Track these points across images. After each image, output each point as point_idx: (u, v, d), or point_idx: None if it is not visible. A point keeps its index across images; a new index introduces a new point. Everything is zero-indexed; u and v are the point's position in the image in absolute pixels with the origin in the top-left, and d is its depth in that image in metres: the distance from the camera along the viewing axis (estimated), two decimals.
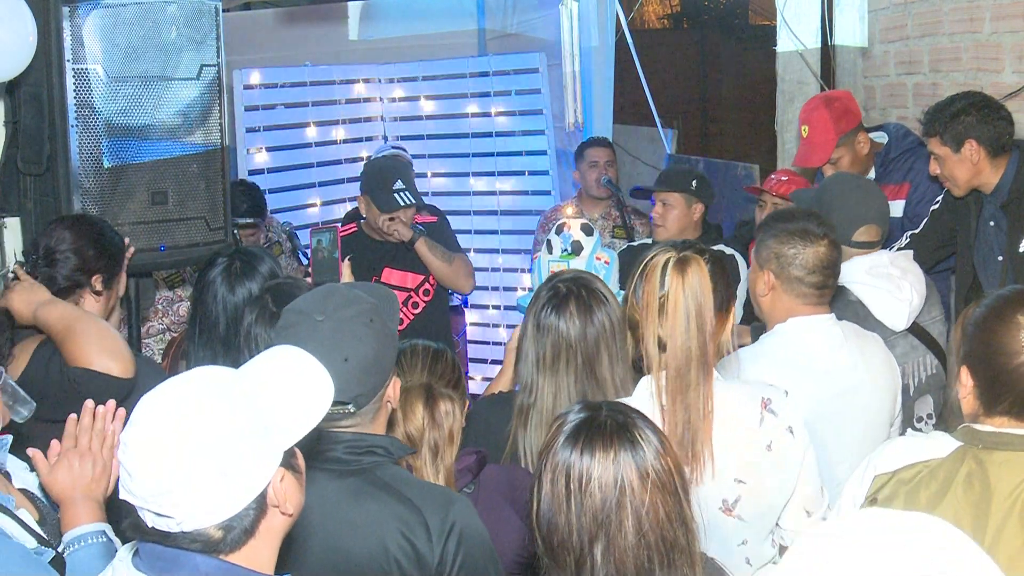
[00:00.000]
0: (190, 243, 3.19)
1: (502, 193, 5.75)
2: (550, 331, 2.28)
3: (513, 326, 5.58)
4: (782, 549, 2.15)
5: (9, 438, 2.00)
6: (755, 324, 2.80)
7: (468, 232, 5.67)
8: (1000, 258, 3.23)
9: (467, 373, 5.57)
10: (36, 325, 2.48)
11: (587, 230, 3.15)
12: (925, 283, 2.86)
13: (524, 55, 5.72)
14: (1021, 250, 3.15)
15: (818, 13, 4.78)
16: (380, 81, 5.87)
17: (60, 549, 1.92)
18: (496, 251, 5.79)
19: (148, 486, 1.34)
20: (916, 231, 3.47)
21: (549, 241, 3.18)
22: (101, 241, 2.67)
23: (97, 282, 2.64)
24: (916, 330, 2.82)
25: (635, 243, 4.28)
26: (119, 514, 1.44)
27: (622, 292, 2.32)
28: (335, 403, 1.76)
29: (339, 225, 3.95)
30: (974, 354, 1.83)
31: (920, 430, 2.80)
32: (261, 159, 5.45)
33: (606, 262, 3.04)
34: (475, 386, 5.44)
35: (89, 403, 1.95)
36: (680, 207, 3.74)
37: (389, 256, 3.94)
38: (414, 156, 5.40)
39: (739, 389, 2.13)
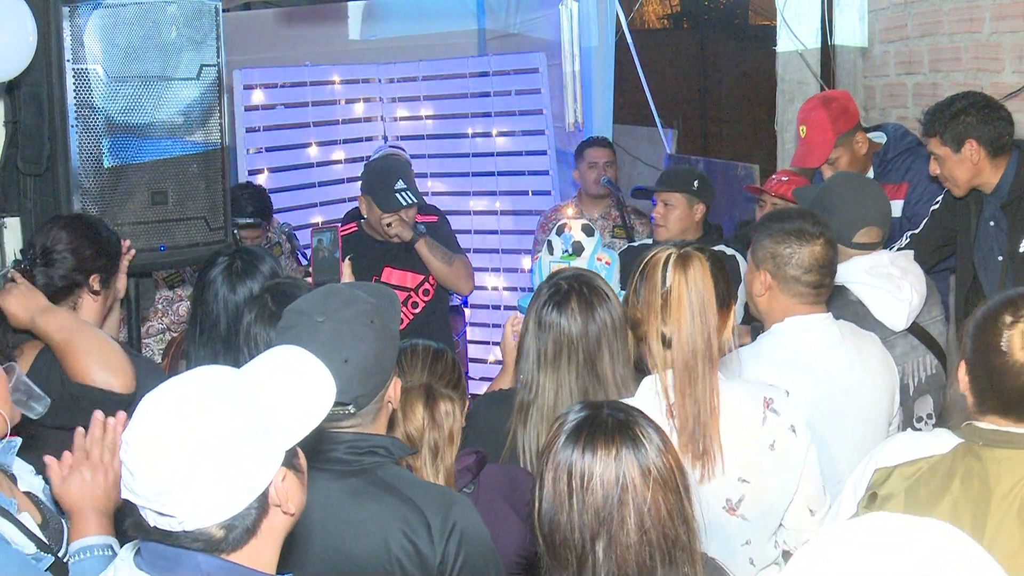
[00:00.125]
0: (190, 243, 3.18)
1: (502, 193, 5.75)
2: (551, 328, 2.28)
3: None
4: (786, 555, 2.14)
5: (18, 441, 2.01)
6: (755, 324, 2.81)
7: (468, 232, 5.67)
8: (1000, 258, 3.23)
9: (467, 373, 5.57)
10: (33, 332, 2.46)
11: (588, 231, 3.14)
12: (925, 283, 2.86)
13: (524, 55, 5.72)
14: (1021, 250, 3.16)
15: (818, 13, 4.78)
16: (380, 81, 5.87)
17: (64, 556, 1.92)
18: (496, 251, 5.78)
19: (150, 485, 1.34)
20: (916, 231, 3.48)
21: (550, 242, 3.17)
22: (98, 241, 2.66)
23: (95, 282, 2.63)
24: (916, 330, 2.82)
25: (635, 243, 4.28)
26: (122, 514, 1.44)
27: (623, 292, 2.32)
28: (335, 404, 1.76)
29: (339, 225, 3.95)
30: (968, 352, 1.85)
31: (920, 430, 2.80)
32: (261, 159, 5.45)
33: (607, 263, 3.04)
34: (475, 386, 5.44)
35: (99, 415, 1.94)
36: (682, 207, 3.74)
37: (389, 256, 3.94)
38: (414, 156, 5.40)
39: (741, 388, 2.13)
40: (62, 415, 2.20)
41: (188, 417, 1.35)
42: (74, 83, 2.94)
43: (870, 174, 3.72)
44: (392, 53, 6.05)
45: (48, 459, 1.93)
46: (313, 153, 5.64)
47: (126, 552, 1.45)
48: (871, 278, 2.77)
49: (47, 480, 2.12)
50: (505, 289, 5.78)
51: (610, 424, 1.53)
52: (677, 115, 9.56)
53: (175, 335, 3.78)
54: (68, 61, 2.92)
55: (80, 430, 1.96)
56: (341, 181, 5.69)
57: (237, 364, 1.53)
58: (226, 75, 3.28)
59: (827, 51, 4.85)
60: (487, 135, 5.77)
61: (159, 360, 3.66)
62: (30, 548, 1.81)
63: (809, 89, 4.79)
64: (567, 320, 2.27)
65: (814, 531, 2.08)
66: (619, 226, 4.80)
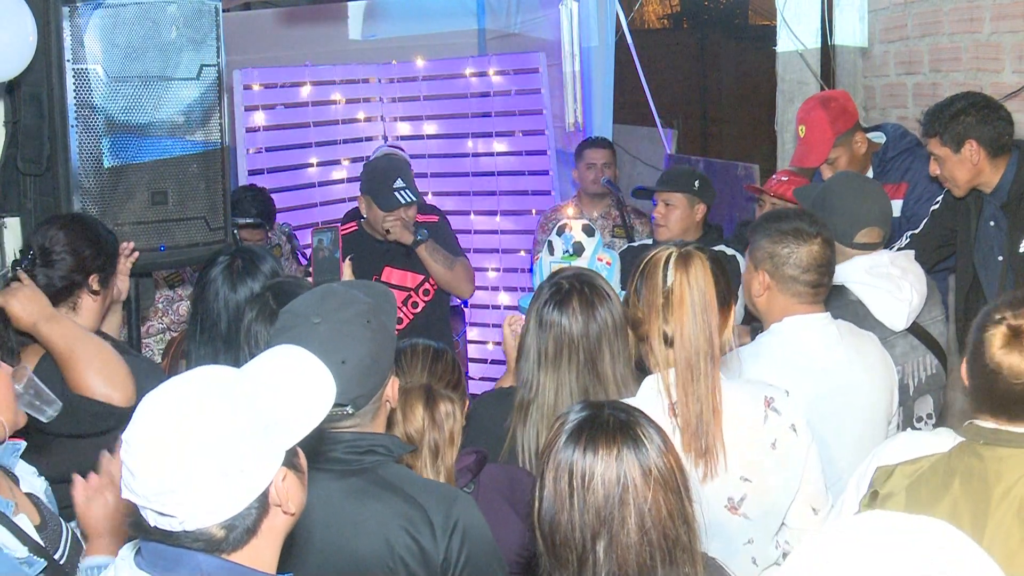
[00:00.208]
0: (190, 243, 3.18)
1: (502, 193, 5.75)
2: (552, 327, 2.28)
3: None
4: (787, 556, 2.14)
5: (23, 444, 2.01)
6: (755, 324, 2.81)
7: (468, 232, 5.67)
8: (1000, 258, 3.23)
9: (467, 373, 5.57)
10: (35, 338, 2.44)
11: (588, 231, 3.14)
12: (926, 283, 2.86)
13: (524, 55, 5.73)
14: (1021, 250, 3.16)
15: (818, 13, 4.78)
16: (380, 81, 5.87)
17: (61, 558, 1.92)
18: (496, 251, 5.79)
19: (150, 485, 1.34)
20: (916, 231, 3.48)
21: (550, 242, 3.17)
22: (96, 240, 2.65)
23: (94, 281, 2.62)
24: (916, 330, 2.82)
25: (635, 243, 4.28)
26: None
27: (624, 292, 2.32)
28: (335, 405, 1.76)
29: (339, 224, 3.95)
30: (967, 351, 1.86)
31: (920, 430, 2.80)
32: (261, 159, 5.45)
33: (608, 263, 3.04)
34: (475, 386, 5.44)
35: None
36: (683, 207, 3.75)
37: (389, 255, 3.94)
38: (413, 156, 5.39)
39: (742, 388, 2.13)
40: (60, 423, 2.20)
41: (188, 417, 1.35)
42: (74, 83, 2.94)
43: (869, 174, 3.72)
44: (392, 53, 6.05)
45: (75, 477, 1.93)
46: (313, 153, 5.64)
47: (126, 551, 1.45)
48: (871, 278, 2.77)
49: (49, 481, 2.14)
50: (505, 289, 5.77)
51: (611, 424, 1.53)
52: (677, 115, 9.57)
53: (175, 335, 3.78)
54: (68, 61, 2.92)
55: (106, 453, 1.97)
56: (341, 181, 5.69)
57: (238, 363, 1.54)
58: (226, 75, 3.28)
59: (827, 51, 4.85)
60: (487, 135, 5.77)
61: (159, 360, 3.66)
62: (21, 552, 1.80)
63: (809, 89, 4.79)
64: (568, 319, 2.27)
65: (817, 530, 2.09)
66: (619, 226, 4.81)
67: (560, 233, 3.17)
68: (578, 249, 3.09)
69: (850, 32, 4.78)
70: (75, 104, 2.95)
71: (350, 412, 1.83)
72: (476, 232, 5.78)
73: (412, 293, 4.00)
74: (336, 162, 5.71)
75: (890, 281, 2.77)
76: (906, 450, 1.89)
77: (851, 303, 2.76)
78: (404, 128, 5.90)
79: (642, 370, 2.23)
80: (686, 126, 11.26)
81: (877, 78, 4.67)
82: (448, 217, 4.24)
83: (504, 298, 5.77)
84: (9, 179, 3.10)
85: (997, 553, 1.70)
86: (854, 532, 1.04)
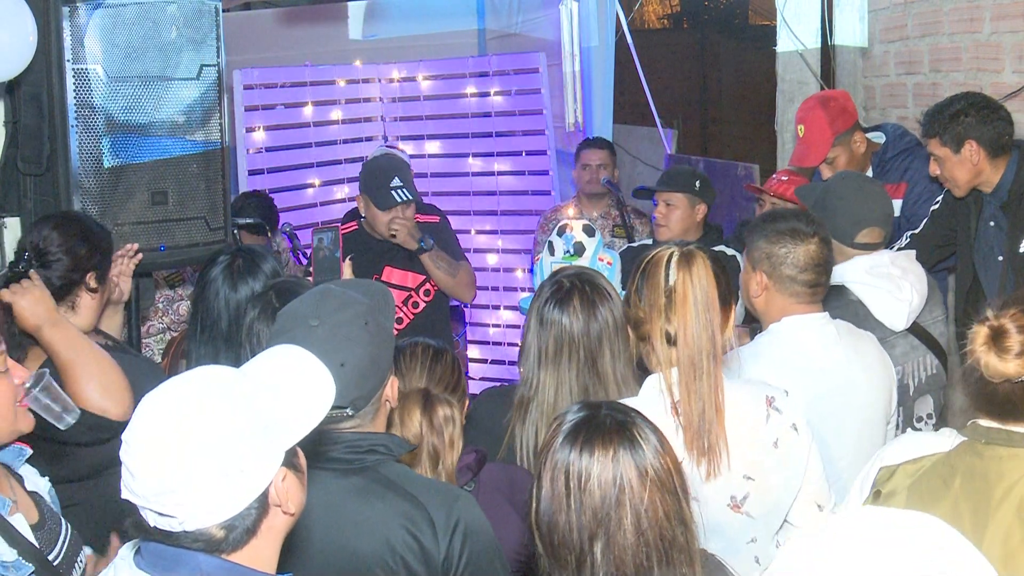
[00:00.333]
0: (190, 243, 3.18)
1: (502, 193, 5.75)
2: (553, 325, 2.29)
3: (513, 327, 5.62)
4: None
5: (28, 451, 2.02)
6: (754, 325, 2.81)
7: (468, 232, 5.67)
8: (1000, 258, 3.23)
9: (467, 373, 5.57)
10: (37, 341, 2.43)
11: (589, 231, 3.14)
12: (926, 283, 2.86)
13: (524, 55, 5.72)
14: (1021, 250, 3.16)
15: (818, 13, 4.78)
16: (380, 81, 5.87)
17: (56, 558, 1.92)
18: (496, 251, 5.79)
19: (150, 486, 1.34)
20: (916, 231, 3.48)
21: (551, 243, 3.17)
22: (90, 238, 2.63)
23: (91, 279, 2.61)
24: (917, 330, 2.82)
25: (635, 244, 4.28)
26: (122, 514, 1.43)
27: (624, 292, 2.32)
28: (334, 407, 1.76)
29: (340, 224, 3.95)
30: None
31: (920, 430, 2.80)
32: (261, 159, 5.45)
33: (608, 263, 3.04)
34: (475, 386, 5.44)
35: None
36: (683, 207, 3.75)
37: (390, 255, 3.93)
38: (413, 156, 5.40)
39: (743, 387, 2.13)
40: (55, 429, 2.20)
41: (188, 417, 1.35)
42: (74, 83, 2.94)
43: (869, 174, 3.72)
44: (392, 53, 6.05)
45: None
46: (313, 153, 5.64)
47: (126, 551, 1.45)
48: (871, 278, 2.77)
49: (52, 481, 2.14)
50: (505, 289, 5.78)
51: (608, 425, 1.53)
52: (677, 115, 9.58)
53: (175, 335, 3.78)
54: (68, 61, 2.92)
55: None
56: (341, 181, 5.69)
57: (239, 362, 1.53)
58: (226, 75, 3.28)
59: (827, 51, 4.86)
60: (487, 135, 5.76)
61: (159, 360, 3.66)
62: (9, 556, 1.80)
63: (809, 89, 4.79)
64: (568, 318, 2.28)
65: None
66: (619, 226, 4.81)
67: (561, 233, 3.18)
68: (579, 249, 3.09)
69: (850, 32, 4.78)
70: (75, 104, 2.94)
71: (349, 414, 1.83)
72: (476, 232, 5.78)
73: (413, 293, 3.99)
74: (336, 162, 5.71)
75: (890, 281, 2.77)
76: (909, 450, 1.90)
77: (851, 303, 2.76)
78: (404, 128, 5.90)
79: (642, 370, 2.23)
80: (686, 126, 11.27)
81: (877, 78, 4.67)
82: (448, 217, 4.23)
83: (504, 298, 5.77)
84: (9, 179, 3.10)
85: (997, 552, 1.71)
86: (846, 529, 1.05)
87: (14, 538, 1.84)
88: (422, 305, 4.00)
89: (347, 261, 3.15)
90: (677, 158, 5.78)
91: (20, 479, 2.01)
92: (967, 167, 3.16)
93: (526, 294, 4.03)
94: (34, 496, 2.02)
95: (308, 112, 5.60)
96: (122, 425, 2.28)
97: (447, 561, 1.79)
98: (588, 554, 1.48)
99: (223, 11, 3.23)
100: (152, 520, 1.37)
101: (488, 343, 5.88)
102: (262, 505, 1.41)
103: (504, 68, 5.70)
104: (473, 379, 5.66)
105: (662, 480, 1.51)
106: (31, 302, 2.40)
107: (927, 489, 1.82)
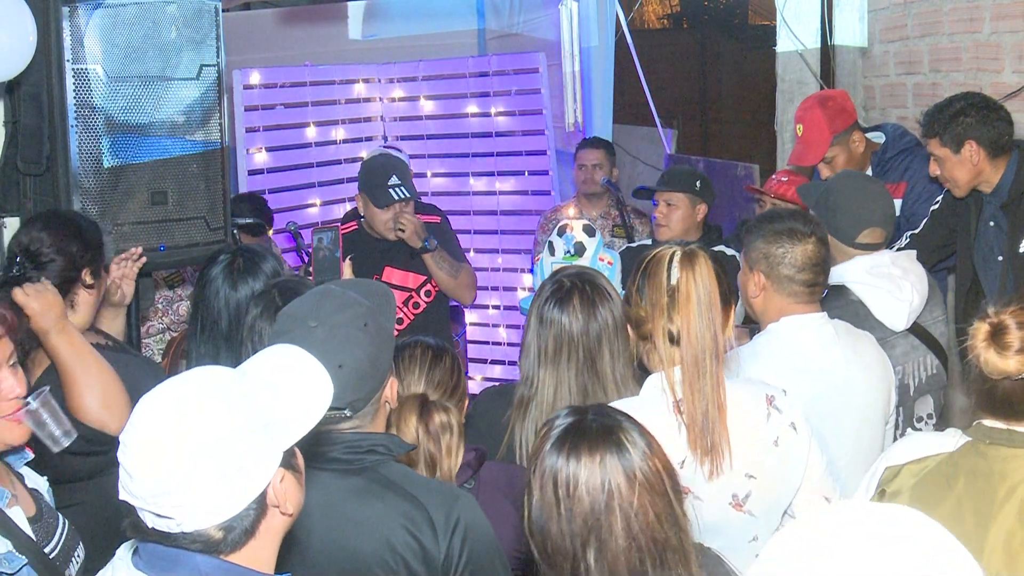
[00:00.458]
0: (190, 243, 3.18)
1: (502, 193, 5.75)
2: (552, 324, 2.29)
3: (513, 326, 5.62)
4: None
5: (29, 455, 2.03)
6: (753, 326, 2.81)
7: (468, 232, 5.67)
8: (1000, 258, 3.23)
9: (466, 373, 5.56)
10: (43, 345, 2.41)
11: (589, 231, 3.14)
12: (927, 283, 2.86)
13: (524, 55, 5.72)
14: (1021, 250, 3.16)
15: (818, 13, 4.78)
16: (380, 81, 5.87)
17: (52, 551, 1.92)
18: (496, 251, 5.79)
19: (148, 487, 1.33)
20: (916, 231, 3.48)
21: (551, 243, 3.17)
22: (81, 235, 2.61)
23: (87, 275, 2.59)
24: (917, 330, 2.82)
25: (634, 244, 4.29)
26: (119, 515, 1.43)
27: (625, 291, 2.32)
28: (332, 409, 1.76)
29: (340, 224, 3.95)
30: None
31: (920, 430, 2.80)
32: (261, 159, 5.45)
33: (609, 263, 3.04)
34: (475, 386, 5.44)
35: None
36: (684, 207, 3.75)
37: (390, 255, 3.93)
38: (414, 156, 5.40)
39: (744, 386, 2.14)
40: None
41: (186, 417, 1.34)
42: (74, 83, 2.93)
43: (868, 173, 3.72)
44: (392, 53, 6.05)
45: None
46: (313, 153, 5.64)
47: (124, 551, 1.45)
48: (872, 278, 2.77)
49: (52, 482, 2.14)
50: (505, 289, 5.78)
51: (594, 430, 1.52)
52: (677, 115, 9.58)
53: (175, 335, 3.78)
54: (68, 61, 2.92)
55: None
56: (341, 181, 5.69)
57: (239, 362, 1.53)
58: (226, 75, 3.28)
59: (827, 51, 4.86)
60: (487, 135, 5.76)
61: (159, 360, 3.66)
62: (1, 547, 1.81)
63: (809, 89, 4.79)
64: (568, 317, 2.28)
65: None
66: (619, 225, 4.81)
67: (561, 234, 3.18)
68: (579, 249, 3.09)
69: (850, 32, 4.78)
70: (75, 104, 2.94)
71: (348, 415, 1.83)
72: (476, 232, 5.78)
73: (413, 293, 3.99)
74: (336, 162, 5.71)
75: (891, 281, 2.77)
76: (914, 450, 1.90)
77: (852, 303, 2.76)
78: (404, 128, 5.90)
79: (642, 370, 2.23)
80: (686, 126, 11.27)
81: (877, 78, 4.67)
82: (448, 217, 4.23)
83: (504, 298, 5.77)
84: (9, 179, 3.10)
85: (1000, 553, 1.71)
86: (828, 523, 1.06)
87: (11, 530, 1.85)
88: (423, 305, 4.00)
89: (347, 261, 3.15)
90: (677, 158, 5.78)
91: (20, 477, 2.02)
92: (967, 167, 3.16)
93: (526, 294, 4.03)
94: (33, 493, 2.03)
95: (308, 112, 5.60)
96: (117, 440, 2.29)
97: (447, 561, 1.79)
98: (582, 560, 1.48)
99: (223, 11, 3.23)
100: (150, 521, 1.37)
101: (488, 343, 5.87)
102: (260, 506, 1.40)
103: (504, 68, 5.70)
104: (473, 379, 5.66)
105: (651, 483, 1.50)
106: (43, 306, 2.38)
107: (931, 489, 1.82)
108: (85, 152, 2.97)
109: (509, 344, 5.70)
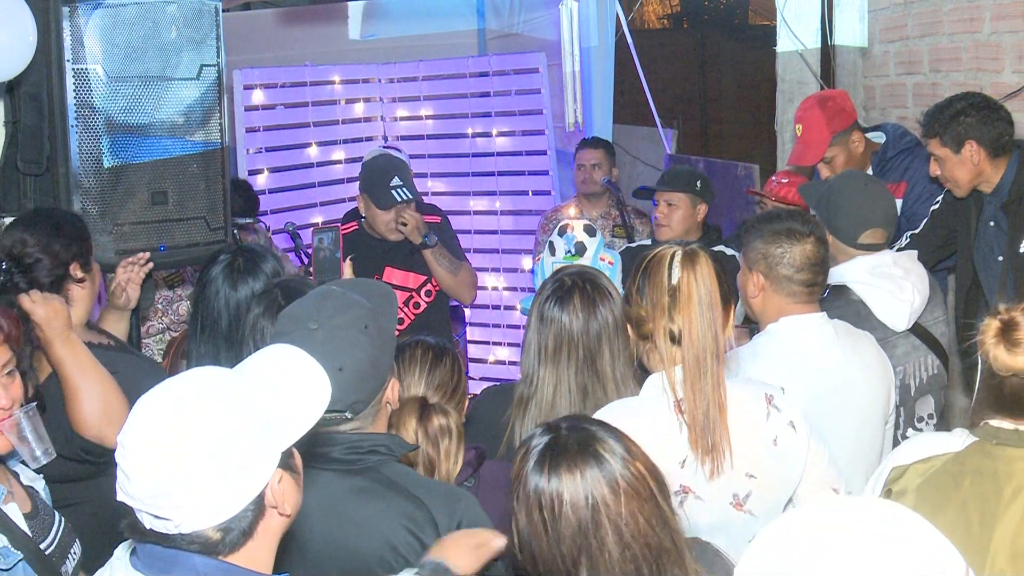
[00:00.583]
0: (190, 243, 3.18)
1: (502, 193, 5.75)
2: (552, 323, 2.29)
3: (513, 327, 5.62)
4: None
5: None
6: (753, 326, 2.81)
7: (468, 232, 5.67)
8: (1000, 258, 3.23)
9: (467, 373, 5.56)
10: (46, 354, 2.40)
11: (590, 231, 3.14)
12: (928, 284, 2.86)
13: (524, 55, 5.72)
14: (1021, 251, 3.16)
15: (818, 13, 4.78)
16: (380, 81, 5.87)
17: (48, 548, 1.92)
18: (496, 251, 5.79)
19: (146, 488, 1.33)
20: (916, 231, 3.48)
21: (552, 243, 3.17)
22: (63, 230, 2.59)
23: (76, 270, 2.59)
24: (918, 330, 2.82)
25: (634, 244, 4.29)
26: (117, 515, 1.43)
27: (625, 291, 2.32)
28: (332, 411, 1.75)
29: (340, 224, 3.95)
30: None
31: (921, 430, 2.80)
32: (261, 159, 5.45)
33: (610, 263, 3.04)
34: (475, 386, 5.44)
35: None
36: (685, 207, 3.76)
37: (390, 255, 3.94)
38: (413, 156, 5.39)
39: (743, 386, 2.14)
40: (52, 439, 2.20)
41: (185, 418, 1.34)
42: (74, 83, 2.93)
43: (868, 173, 3.71)
44: (392, 53, 6.05)
45: None
46: (313, 153, 5.64)
47: (122, 551, 1.44)
48: (873, 278, 2.77)
49: (51, 481, 2.14)
50: (505, 289, 5.78)
51: (570, 446, 1.50)
52: (677, 115, 9.58)
53: (175, 335, 3.78)
54: (68, 61, 2.92)
55: None
56: (341, 181, 5.69)
57: (240, 360, 1.53)
58: (226, 75, 3.27)
59: (827, 51, 4.85)
60: (487, 135, 5.76)
61: (159, 360, 3.66)
62: None
63: (809, 89, 4.79)
64: (568, 316, 2.28)
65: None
66: (619, 225, 4.81)
67: (562, 233, 3.17)
68: (580, 249, 3.09)
69: (850, 32, 4.78)
70: (75, 104, 2.94)
71: (348, 417, 1.83)
72: (476, 232, 5.77)
73: (414, 294, 3.99)
74: (336, 162, 5.71)
75: (892, 282, 2.77)
76: (921, 449, 1.90)
77: (853, 303, 2.76)
78: (404, 128, 5.89)
79: (642, 370, 2.23)
80: (686, 126, 11.26)
81: (877, 78, 4.67)
82: (448, 217, 4.23)
83: (504, 298, 5.77)
84: (9, 179, 3.10)
85: (1005, 553, 1.71)
86: (808, 516, 1.06)
87: (6, 526, 1.85)
88: (423, 306, 4.00)
89: (347, 261, 3.15)
90: (677, 158, 5.78)
91: (16, 475, 2.02)
92: (967, 167, 3.16)
93: (526, 294, 4.03)
94: (29, 490, 2.03)
95: (308, 112, 5.60)
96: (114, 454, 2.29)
97: None
98: None
99: (223, 11, 3.23)
100: (148, 522, 1.37)
101: (488, 343, 5.87)
102: (258, 507, 1.40)
103: (504, 68, 5.70)
104: (473, 379, 5.66)
105: (636, 489, 1.49)
106: (49, 314, 2.37)
107: (936, 489, 1.82)
108: (85, 152, 2.97)
109: (509, 344, 5.70)
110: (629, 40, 5.68)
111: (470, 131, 5.79)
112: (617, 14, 5.69)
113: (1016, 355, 1.71)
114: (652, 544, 1.48)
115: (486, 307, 5.79)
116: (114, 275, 2.96)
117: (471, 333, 5.89)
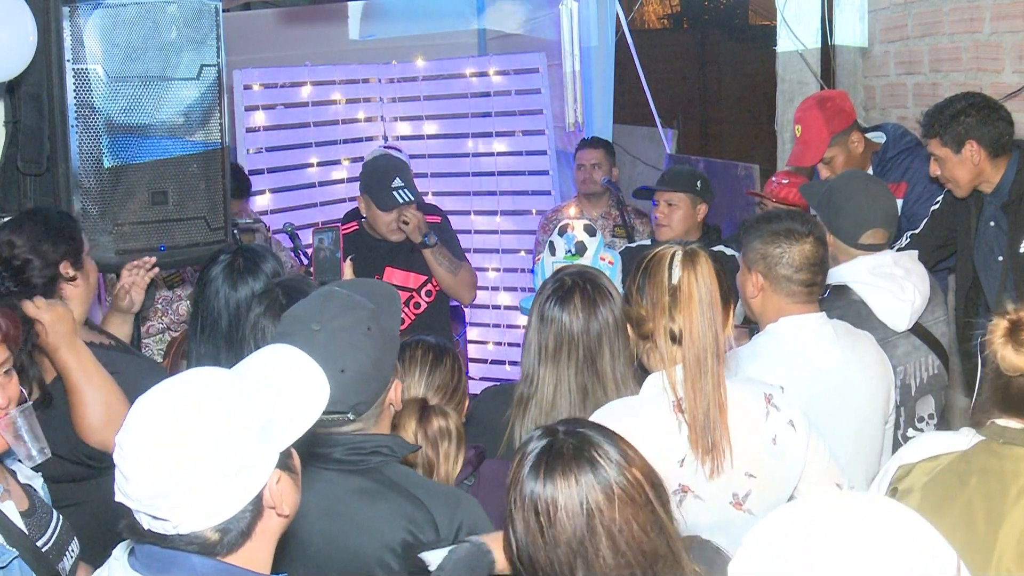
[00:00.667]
0: (190, 243, 3.18)
1: (502, 193, 5.75)
2: (553, 322, 2.29)
3: (513, 327, 5.61)
4: None
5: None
6: (753, 326, 2.81)
7: (468, 232, 5.67)
8: (1000, 258, 3.23)
9: (467, 373, 5.56)
10: (51, 359, 2.40)
11: (590, 231, 3.14)
12: (929, 284, 2.86)
13: (524, 55, 5.72)
14: (1021, 251, 3.16)
15: (818, 13, 4.78)
16: (380, 81, 5.87)
17: (45, 545, 1.92)
18: (496, 251, 5.79)
19: (144, 489, 1.33)
20: (916, 231, 3.48)
21: (552, 243, 3.17)
22: (49, 231, 2.58)
23: (66, 268, 2.58)
24: (918, 330, 2.82)
25: (634, 244, 4.29)
26: (115, 515, 1.43)
27: (624, 290, 2.32)
28: (335, 412, 1.75)
29: (340, 224, 3.95)
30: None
31: (921, 430, 2.80)
32: (261, 159, 5.45)
33: (610, 263, 3.04)
34: (475, 386, 5.44)
35: None
36: (685, 207, 3.76)
37: (391, 256, 3.94)
38: (413, 156, 5.39)
39: (743, 385, 2.14)
40: (54, 443, 2.20)
41: (183, 418, 1.34)
42: (74, 83, 2.93)
43: (869, 173, 3.72)
44: (392, 53, 6.05)
45: None
46: (313, 153, 5.64)
47: (120, 552, 1.44)
48: (874, 278, 2.77)
49: (50, 481, 2.14)
50: (505, 289, 5.77)
51: (565, 452, 1.50)
52: (677, 115, 9.58)
53: (175, 335, 3.78)
54: (68, 61, 2.92)
55: None
56: (341, 181, 5.69)
57: (240, 360, 1.52)
58: (226, 75, 3.27)
59: (827, 51, 4.86)
60: (487, 135, 5.76)
61: (159, 360, 3.66)
62: None
63: (809, 89, 4.79)
64: (569, 316, 2.28)
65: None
66: (619, 225, 4.81)
67: (562, 233, 3.17)
68: (580, 249, 3.09)
69: (850, 32, 4.78)
70: (75, 104, 2.94)
71: (351, 418, 1.83)
72: (476, 232, 5.77)
73: (414, 294, 4.00)
74: (336, 162, 5.71)
75: (893, 282, 2.77)
76: (927, 448, 1.90)
77: (853, 303, 2.76)
78: (404, 128, 5.89)
79: (642, 370, 2.23)
80: (686, 126, 11.27)
81: (877, 78, 4.67)
82: (448, 217, 4.24)
83: (504, 298, 5.77)
84: (9, 179, 3.10)
85: (1011, 551, 1.71)
86: (807, 513, 1.06)
87: (2, 523, 1.85)
88: (424, 306, 4.00)
89: (348, 261, 3.15)
90: (677, 158, 5.78)
91: (13, 473, 2.02)
92: (968, 167, 3.16)
93: (527, 294, 4.03)
94: (27, 488, 2.03)
95: (308, 112, 5.60)
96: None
97: None
98: None
99: (223, 11, 3.23)
100: (146, 523, 1.36)
101: (488, 343, 5.87)
102: (256, 507, 1.40)
103: (504, 68, 5.69)
104: (473, 379, 5.66)
105: (631, 496, 1.48)
106: (54, 319, 2.37)
107: (942, 487, 1.82)
108: (85, 152, 2.97)
109: (509, 344, 5.70)
110: (629, 40, 5.68)
111: (470, 131, 5.79)
112: (617, 14, 5.69)
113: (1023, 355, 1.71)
114: (647, 550, 1.47)
115: (486, 307, 5.79)
116: (115, 275, 2.96)
117: (471, 333, 5.89)
